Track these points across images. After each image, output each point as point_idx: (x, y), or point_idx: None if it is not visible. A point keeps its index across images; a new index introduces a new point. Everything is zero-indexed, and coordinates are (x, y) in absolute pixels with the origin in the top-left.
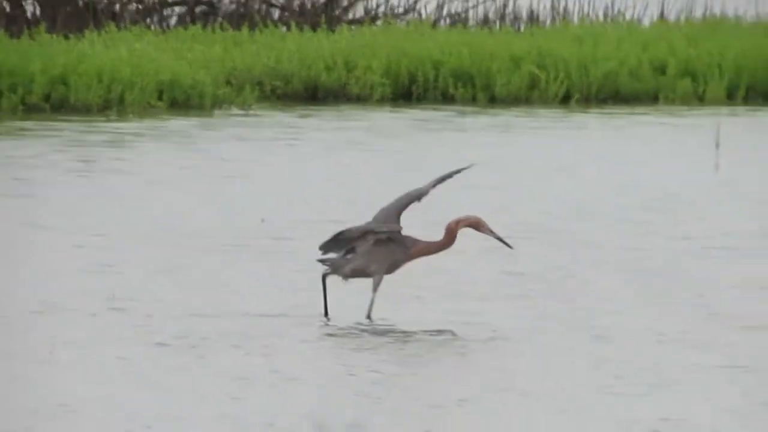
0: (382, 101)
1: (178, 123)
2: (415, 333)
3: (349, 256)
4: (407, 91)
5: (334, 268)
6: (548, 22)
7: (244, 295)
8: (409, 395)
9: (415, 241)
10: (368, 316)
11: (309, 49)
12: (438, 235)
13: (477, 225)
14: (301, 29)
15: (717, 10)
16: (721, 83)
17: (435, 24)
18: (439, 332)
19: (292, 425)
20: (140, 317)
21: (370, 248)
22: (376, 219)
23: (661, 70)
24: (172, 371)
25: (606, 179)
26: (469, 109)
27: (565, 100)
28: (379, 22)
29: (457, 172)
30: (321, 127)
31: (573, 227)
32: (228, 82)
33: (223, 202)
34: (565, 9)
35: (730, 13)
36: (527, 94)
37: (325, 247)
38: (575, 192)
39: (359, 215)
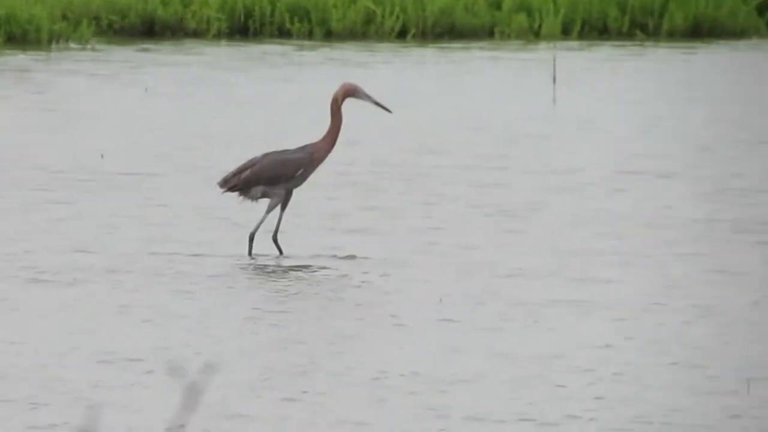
0: (218, 36)
1: (16, 58)
2: (290, 269)
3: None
4: (243, 26)
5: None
6: None
7: (109, 230)
8: (278, 332)
9: (313, 145)
10: (251, 235)
11: None
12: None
13: (355, 92)
14: None
15: None
16: (557, 18)
17: None
18: (312, 267)
19: (154, 361)
20: (4, 255)
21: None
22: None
23: (497, 5)
24: (50, 307)
25: (449, 114)
26: (306, 43)
27: (401, 35)
28: None
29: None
30: (160, 61)
31: (425, 162)
32: (64, 17)
33: (66, 138)
34: None
35: None
36: (363, 29)
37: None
38: (423, 126)
39: (207, 149)
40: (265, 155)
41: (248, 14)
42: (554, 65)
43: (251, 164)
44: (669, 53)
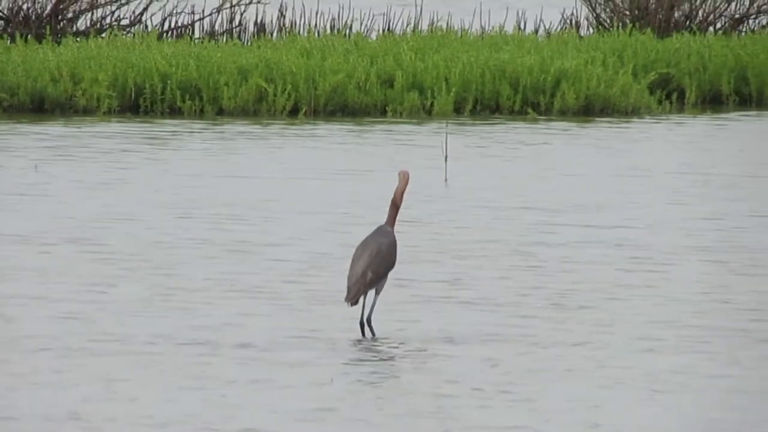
0: (109, 113)
1: None
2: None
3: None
4: (134, 104)
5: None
6: (275, 34)
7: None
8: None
9: (389, 224)
10: (369, 318)
11: (34, 60)
12: None
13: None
14: (26, 41)
15: (443, 24)
16: (449, 96)
17: (161, 36)
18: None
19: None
20: None
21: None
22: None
23: (389, 83)
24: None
25: (341, 192)
26: (197, 121)
27: (293, 113)
28: (104, 34)
29: None
30: (50, 139)
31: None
32: None
33: None
34: (293, 22)
35: (456, 26)
36: (255, 107)
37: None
38: (316, 205)
39: (99, 228)
40: (365, 250)
41: (139, 92)
42: (446, 143)
43: (362, 266)
44: (560, 131)
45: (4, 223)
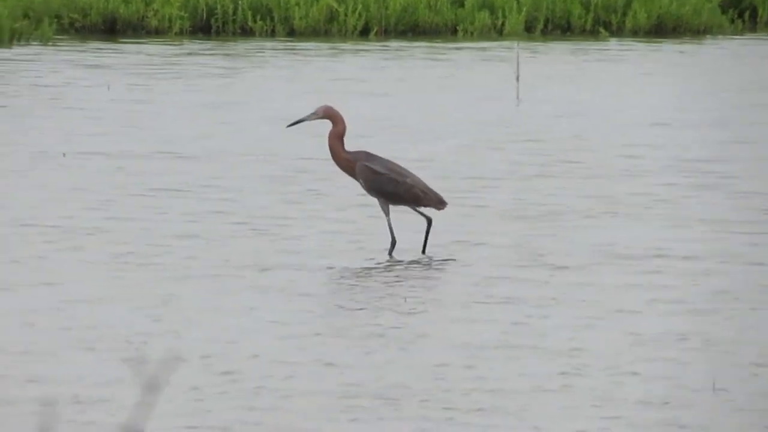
0: (180, 34)
1: None
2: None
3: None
4: (206, 25)
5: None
6: None
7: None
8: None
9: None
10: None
11: None
12: None
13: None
14: None
15: None
16: (520, 16)
17: None
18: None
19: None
20: None
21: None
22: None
23: (460, 2)
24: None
25: (415, 112)
26: (269, 41)
27: (364, 33)
28: None
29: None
30: (122, 59)
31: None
32: (26, 15)
33: (27, 138)
34: None
35: None
36: (326, 27)
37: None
38: (389, 122)
39: (155, 150)
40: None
41: (210, 12)
42: (517, 63)
43: (412, 179)
44: (633, 51)
45: (122, 143)
